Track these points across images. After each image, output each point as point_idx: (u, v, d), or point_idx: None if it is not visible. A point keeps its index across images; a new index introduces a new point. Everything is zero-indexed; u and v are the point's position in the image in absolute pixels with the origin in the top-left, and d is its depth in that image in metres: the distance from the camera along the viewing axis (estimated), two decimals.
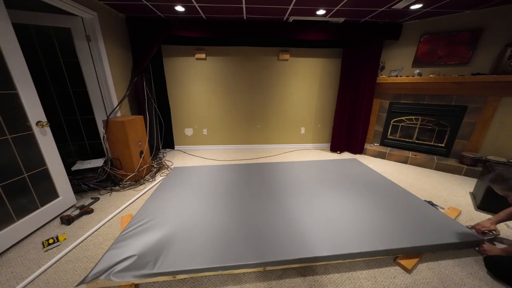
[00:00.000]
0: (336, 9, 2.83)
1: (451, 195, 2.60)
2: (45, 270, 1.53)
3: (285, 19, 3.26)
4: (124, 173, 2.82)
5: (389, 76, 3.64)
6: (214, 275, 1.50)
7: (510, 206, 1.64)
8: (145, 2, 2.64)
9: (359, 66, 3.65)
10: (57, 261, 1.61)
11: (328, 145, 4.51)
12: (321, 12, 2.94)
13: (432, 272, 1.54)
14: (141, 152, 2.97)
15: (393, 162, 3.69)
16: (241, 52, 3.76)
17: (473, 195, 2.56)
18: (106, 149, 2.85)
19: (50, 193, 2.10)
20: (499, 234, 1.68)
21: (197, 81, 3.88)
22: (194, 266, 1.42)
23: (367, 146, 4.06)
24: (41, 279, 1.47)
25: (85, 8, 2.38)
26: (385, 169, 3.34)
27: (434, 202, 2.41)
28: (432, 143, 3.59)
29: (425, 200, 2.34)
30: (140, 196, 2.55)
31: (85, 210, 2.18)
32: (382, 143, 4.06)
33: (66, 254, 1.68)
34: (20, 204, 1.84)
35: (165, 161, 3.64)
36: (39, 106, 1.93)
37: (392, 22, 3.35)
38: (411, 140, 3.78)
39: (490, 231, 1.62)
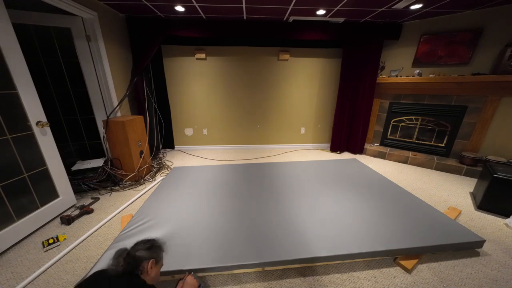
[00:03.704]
0: (336, 9, 2.82)
1: (451, 195, 2.60)
2: (45, 270, 1.53)
3: (285, 19, 3.25)
4: (124, 173, 2.82)
5: (389, 76, 3.64)
6: (214, 275, 1.50)
7: None
8: (145, 2, 2.64)
9: (359, 66, 3.65)
10: (57, 261, 1.61)
11: (328, 145, 4.51)
12: (321, 12, 2.94)
13: (432, 272, 1.54)
14: (141, 152, 2.97)
15: (393, 162, 3.68)
16: (241, 52, 3.76)
17: (473, 195, 2.56)
18: (106, 149, 2.85)
19: (50, 193, 2.10)
20: None
21: (197, 81, 3.88)
22: (193, 266, 1.42)
23: (367, 146, 4.06)
24: (41, 279, 1.47)
25: (85, 8, 2.38)
26: (385, 169, 3.33)
27: (434, 202, 2.41)
28: (432, 143, 3.58)
29: None
30: (140, 196, 2.55)
31: (85, 210, 2.18)
32: (382, 143, 4.06)
33: (66, 254, 1.68)
34: (20, 204, 1.84)
35: (165, 161, 3.64)
36: (39, 106, 1.93)
37: (392, 22, 3.35)
38: (411, 140, 3.78)
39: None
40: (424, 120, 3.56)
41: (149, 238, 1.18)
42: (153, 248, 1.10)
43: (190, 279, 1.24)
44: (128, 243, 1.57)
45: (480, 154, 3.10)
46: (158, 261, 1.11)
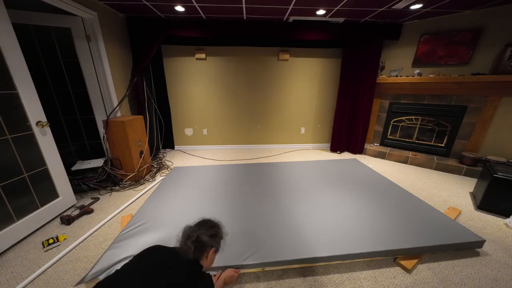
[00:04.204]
0: (336, 9, 2.82)
1: (451, 195, 2.60)
2: (45, 270, 1.53)
3: (285, 19, 3.25)
4: (124, 173, 2.82)
5: (389, 76, 3.64)
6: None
7: None
8: (145, 2, 2.64)
9: (359, 66, 3.65)
10: (57, 261, 1.61)
11: (328, 145, 4.51)
12: (321, 12, 2.94)
13: (432, 272, 1.54)
14: (141, 152, 2.97)
15: (393, 162, 3.69)
16: (241, 52, 3.76)
17: (473, 195, 2.56)
18: (106, 149, 2.85)
19: (50, 193, 2.10)
20: None
21: (197, 81, 3.88)
22: None
23: (367, 146, 4.06)
24: (41, 279, 1.47)
25: (85, 8, 2.39)
26: (385, 169, 3.33)
27: (434, 202, 2.41)
28: (432, 143, 3.58)
29: None
30: (140, 196, 2.55)
31: (85, 210, 2.18)
32: (382, 143, 4.05)
33: (66, 254, 1.68)
34: (20, 204, 1.84)
35: (165, 161, 3.64)
36: (39, 106, 1.93)
37: (392, 22, 3.35)
38: (411, 140, 3.77)
39: None
40: (424, 120, 3.56)
41: (214, 221, 1.18)
42: (217, 236, 1.12)
43: (229, 270, 1.30)
44: (129, 243, 1.58)
45: (480, 154, 3.10)
46: (217, 250, 1.14)
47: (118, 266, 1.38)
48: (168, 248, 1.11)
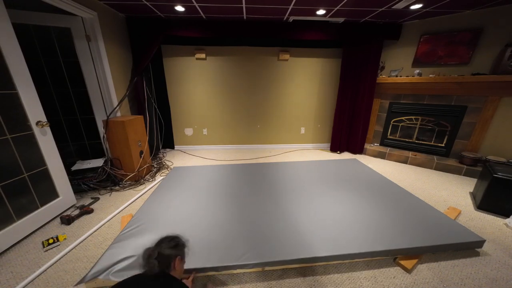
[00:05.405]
0: (336, 9, 2.83)
1: (451, 195, 2.60)
2: (45, 270, 1.53)
3: (285, 19, 3.25)
4: (124, 173, 2.82)
5: (389, 76, 3.64)
6: (214, 275, 1.50)
7: None
8: (145, 2, 2.64)
9: (359, 66, 3.65)
10: (57, 261, 1.61)
11: (328, 145, 4.51)
12: (321, 12, 2.94)
13: (432, 272, 1.54)
14: (141, 152, 2.97)
15: (393, 162, 3.69)
16: (241, 52, 3.76)
17: (473, 195, 2.56)
18: (106, 149, 2.85)
19: (50, 193, 2.10)
20: None
21: (197, 81, 3.88)
22: (193, 266, 1.42)
23: (367, 146, 4.06)
24: (41, 279, 1.47)
25: (85, 8, 2.39)
26: (385, 169, 3.33)
27: (434, 202, 2.41)
28: (432, 143, 3.58)
29: None
30: (140, 196, 2.55)
31: (85, 210, 2.18)
32: (382, 143, 4.06)
33: (66, 254, 1.68)
34: (20, 204, 1.84)
35: (165, 161, 3.64)
36: (39, 106, 1.93)
37: (392, 22, 3.35)
38: (411, 140, 3.77)
39: None
40: (424, 120, 3.56)
41: (172, 235, 1.21)
42: (178, 246, 1.15)
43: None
44: (129, 243, 1.58)
45: (480, 154, 3.10)
46: (183, 257, 1.17)
47: (119, 266, 1.38)
48: (134, 276, 1.07)
